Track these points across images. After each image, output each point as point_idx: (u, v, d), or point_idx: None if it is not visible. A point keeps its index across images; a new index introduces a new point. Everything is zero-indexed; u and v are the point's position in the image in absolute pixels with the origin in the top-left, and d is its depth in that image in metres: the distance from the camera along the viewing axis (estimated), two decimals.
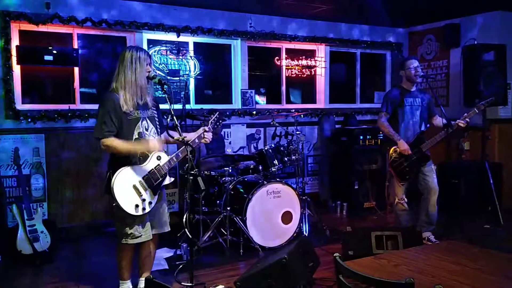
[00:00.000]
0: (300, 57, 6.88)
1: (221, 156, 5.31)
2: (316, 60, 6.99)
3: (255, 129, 6.50)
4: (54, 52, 5.03)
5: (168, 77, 5.76)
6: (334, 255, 2.02)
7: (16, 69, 5.07)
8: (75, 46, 5.40)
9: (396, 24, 7.35)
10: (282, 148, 5.00)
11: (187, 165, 2.96)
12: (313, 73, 7.03)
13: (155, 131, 3.33)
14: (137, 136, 3.19)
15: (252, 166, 5.16)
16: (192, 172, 2.93)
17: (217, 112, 3.64)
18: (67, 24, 5.18)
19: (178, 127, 3.12)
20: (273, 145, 5.01)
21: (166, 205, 3.53)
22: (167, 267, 4.19)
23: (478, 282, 2.12)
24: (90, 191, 5.43)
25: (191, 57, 6.07)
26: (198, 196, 4.61)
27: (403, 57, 6.96)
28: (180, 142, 3.11)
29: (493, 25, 6.31)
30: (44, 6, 5.04)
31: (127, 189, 3.08)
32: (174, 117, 3.08)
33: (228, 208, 4.55)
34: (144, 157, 3.20)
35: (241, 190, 4.78)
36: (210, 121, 3.52)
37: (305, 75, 6.96)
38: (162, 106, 3.56)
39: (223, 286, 3.19)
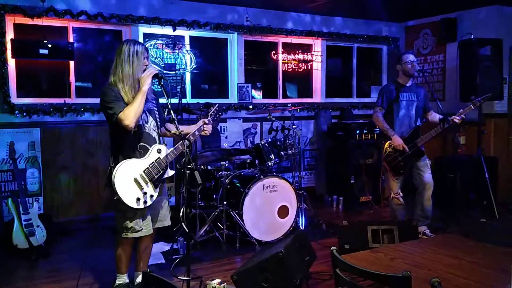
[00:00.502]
0: (297, 52, 6.87)
1: (218, 150, 5.31)
2: (313, 54, 6.99)
3: (251, 124, 6.49)
4: (49, 45, 4.99)
5: (164, 71, 5.73)
6: (331, 248, 2.02)
7: (11, 62, 5.04)
8: (71, 39, 5.36)
9: (392, 19, 7.34)
10: (278, 143, 5.00)
11: (184, 159, 2.95)
12: (309, 67, 7.02)
13: (155, 124, 3.31)
14: (136, 129, 3.17)
15: (248, 161, 5.16)
16: (189, 166, 2.92)
17: (217, 105, 3.63)
18: (62, 17, 5.14)
19: (175, 121, 3.11)
20: (269, 140, 5.01)
21: (167, 199, 3.52)
22: (163, 261, 4.20)
23: (474, 275, 2.13)
24: (86, 185, 5.42)
25: (187, 51, 6.05)
26: (195, 190, 4.61)
27: (400, 52, 6.98)
28: (177, 136, 3.10)
29: (490, 19, 6.32)
30: None
31: (128, 183, 3.06)
32: (171, 111, 3.06)
33: (225, 202, 4.56)
34: (144, 151, 3.19)
35: (238, 184, 4.78)
36: (209, 113, 3.50)
37: (301, 70, 6.95)
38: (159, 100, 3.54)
39: (219, 280, 3.20)
